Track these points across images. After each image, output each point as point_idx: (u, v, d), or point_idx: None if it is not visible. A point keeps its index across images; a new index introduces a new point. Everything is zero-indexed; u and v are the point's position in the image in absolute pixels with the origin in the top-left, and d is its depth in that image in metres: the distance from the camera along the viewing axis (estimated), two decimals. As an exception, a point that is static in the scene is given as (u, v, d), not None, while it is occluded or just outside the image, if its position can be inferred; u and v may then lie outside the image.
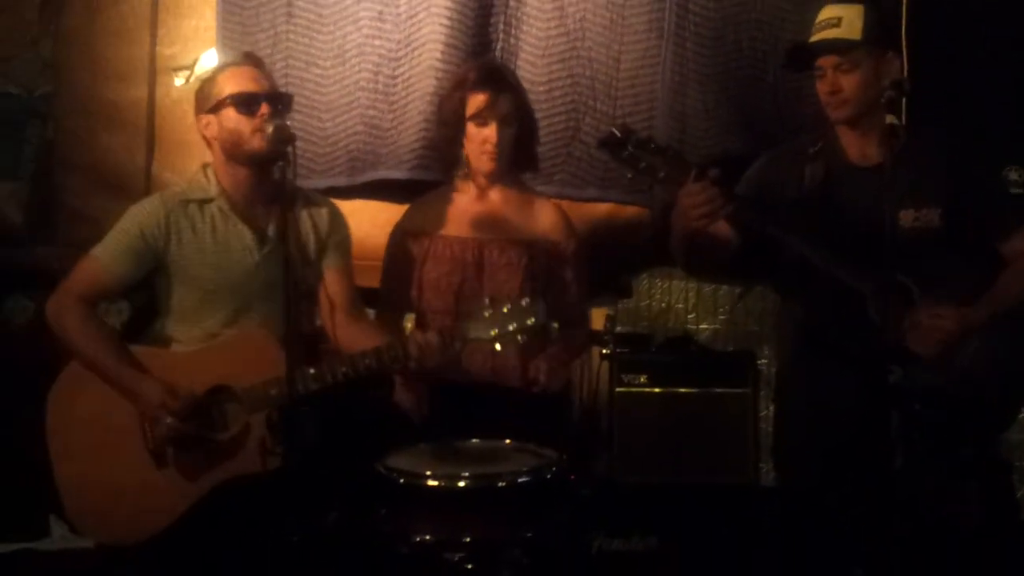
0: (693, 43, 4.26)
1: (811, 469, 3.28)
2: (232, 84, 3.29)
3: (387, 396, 3.48)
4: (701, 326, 4.47)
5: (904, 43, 3.89)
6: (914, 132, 3.39)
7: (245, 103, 3.25)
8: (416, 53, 4.25)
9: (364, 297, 3.62)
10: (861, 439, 3.13)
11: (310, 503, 2.93)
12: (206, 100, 3.33)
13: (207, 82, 3.37)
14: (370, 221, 4.18)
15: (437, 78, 4.15)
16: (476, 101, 3.53)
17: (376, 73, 4.29)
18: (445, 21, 4.19)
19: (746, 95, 4.28)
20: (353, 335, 3.37)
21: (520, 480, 2.95)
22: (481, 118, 3.53)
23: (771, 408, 3.71)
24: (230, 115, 3.27)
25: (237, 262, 3.30)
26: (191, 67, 4.27)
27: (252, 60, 3.41)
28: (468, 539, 2.89)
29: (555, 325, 3.24)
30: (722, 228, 3.25)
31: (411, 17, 4.25)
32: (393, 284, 3.67)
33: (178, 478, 3.14)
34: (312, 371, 3.12)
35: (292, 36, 4.31)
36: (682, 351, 4.16)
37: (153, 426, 3.14)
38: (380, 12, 4.28)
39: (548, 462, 3.04)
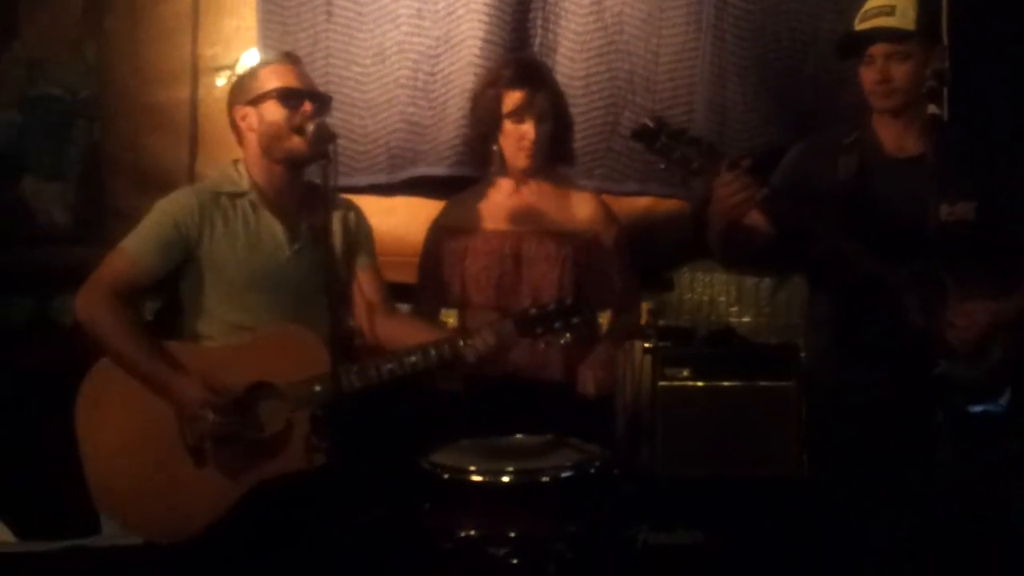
0: (732, 35, 4.25)
1: (842, 462, 3.27)
2: (276, 79, 3.27)
3: (429, 390, 3.49)
4: (743, 319, 4.46)
5: (945, 33, 3.86)
6: (951, 124, 3.37)
7: (289, 98, 3.24)
8: (455, 50, 4.26)
9: (403, 293, 3.63)
10: (895, 432, 3.12)
11: (355, 499, 2.94)
12: (245, 92, 3.31)
13: (247, 76, 3.36)
14: (410, 217, 4.20)
15: (476, 74, 4.15)
16: (513, 98, 3.54)
17: (415, 70, 4.30)
18: (483, 17, 4.20)
19: (785, 86, 4.27)
20: (392, 331, 3.37)
21: (564, 475, 2.96)
22: (518, 115, 3.53)
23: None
24: (272, 108, 3.25)
25: (269, 257, 3.27)
26: (232, 67, 4.30)
27: (293, 59, 3.40)
28: (512, 534, 2.90)
29: (600, 321, 3.25)
30: (757, 219, 3.24)
31: (450, 14, 4.26)
32: (430, 281, 3.68)
33: (219, 476, 3.09)
34: (356, 367, 3.11)
35: (332, 35, 4.33)
36: (725, 344, 4.15)
37: (192, 424, 3.08)
38: (419, 9, 4.29)
39: (592, 457, 3.05)
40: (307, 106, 3.24)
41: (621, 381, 3.88)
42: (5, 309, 4.41)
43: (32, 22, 4.49)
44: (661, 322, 4.13)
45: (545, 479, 2.95)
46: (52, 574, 2.93)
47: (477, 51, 4.20)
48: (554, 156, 3.64)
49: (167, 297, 3.37)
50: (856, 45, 3.31)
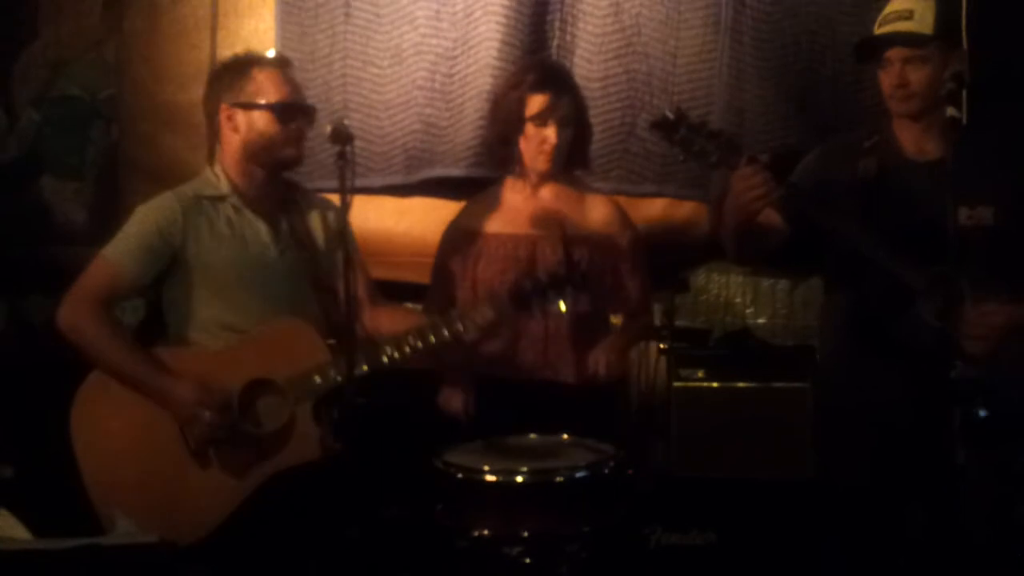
0: (750, 37, 4.25)
1: (857, 464, 3.26)
2: (273, 90, 3.22)
3: (432, 399, 3.50)
4: (759, 320, 4.45)
5: (964, 36, 3.84)
6: (970, 127, 3.35)
7: (285, 112, 3.21)
8: (473, 51, 4.27)
9: (418, 294, 3.63)
10: (911, 435, 3.11)
11: (369, 498, 2.94)
12: (234, 92, 3.24)
13: (235, 73, 3.27)
14: (427, 218, 4.22)
15: (494, 76, 4.16)
16: (536, 102, 3.52)
17: (433, 72, 4.32)
18: (501, 19, 4.21)
19: (804, 89, 4.26)
20: (382, 320, 3.37)
21: (578, 475, 2.96)
22: (541, 119, 3.52)
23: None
24: (265, 119, 3.21)
25: (255, 257, 3.24)
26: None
27: (285, 64, 3.35)
28: (526, 534, 2.90)
29: (613, 319, 3.24)
30: (772, 217, 3.23)
31: (467, 16, 4.28)
32: (442, 282, 3.67)
33: (224, 476, 3.07)
34: (359, 351, 3.07)
35: (350, 36, 4.35)
36: (740, 346, 4.15)
37: (191, 427, 3.06)
38: (437, 11, 4.30)
39: (606, 457, 3.05)
40: (299, 120, 3.23)
41: (635, 380, 3.88)
42: (23, 308, 4.43)
43: (53, 23, 4.53)
44: (677, 323, 4.11)
45: (559, 479, 2.95)
46: (67, 572, 2.94)
47: (495, 53, 4.21)
48: (572, 161, 3.64)
49: (149, 308, 3.35)
50: (874, 49, 3.30)
